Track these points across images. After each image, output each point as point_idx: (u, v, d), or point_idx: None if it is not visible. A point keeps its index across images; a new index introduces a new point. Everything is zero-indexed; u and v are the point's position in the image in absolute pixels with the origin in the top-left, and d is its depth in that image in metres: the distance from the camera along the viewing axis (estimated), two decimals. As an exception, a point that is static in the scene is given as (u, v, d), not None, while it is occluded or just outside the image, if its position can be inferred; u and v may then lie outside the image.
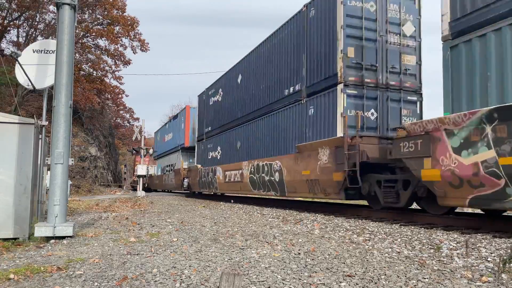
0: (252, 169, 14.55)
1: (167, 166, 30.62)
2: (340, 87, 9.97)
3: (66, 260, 4.84)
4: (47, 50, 8.55)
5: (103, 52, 32.53)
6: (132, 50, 32.41)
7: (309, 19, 11.64)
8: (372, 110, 10.21)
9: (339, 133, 9.78)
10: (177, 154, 26.79)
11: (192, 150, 24.58)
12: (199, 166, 21.33)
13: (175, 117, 29.31)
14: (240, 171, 15.69)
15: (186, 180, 23.52)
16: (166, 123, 33.39)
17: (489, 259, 4.64)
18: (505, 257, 4.33)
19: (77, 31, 26.71)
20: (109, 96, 37.61)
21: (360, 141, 9.13)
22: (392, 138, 8.79)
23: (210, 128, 20.47)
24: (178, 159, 26.35)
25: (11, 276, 4.06)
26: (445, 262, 4.64)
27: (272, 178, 12.88)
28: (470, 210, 11.71)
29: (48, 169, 7.31)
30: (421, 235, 6.42)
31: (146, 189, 40.09)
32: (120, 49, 32.50)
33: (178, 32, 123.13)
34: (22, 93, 24.79)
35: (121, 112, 58.72)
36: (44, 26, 29.78)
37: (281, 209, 12.50)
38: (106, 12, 30.05)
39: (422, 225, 7.56)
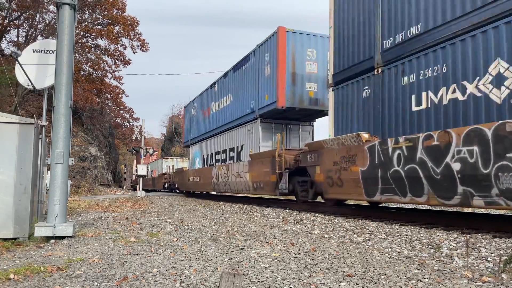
0: None
1: (218, 153, 19.27)
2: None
3: (66, 260, 4.84)
4: (47, 50, 8.55)
5: (103, 52, 32.55)
6: (132, 50, 32.46)
7: None
8: None
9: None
10: (250, 127, 15.62)
11: (284, 118, 14.87)
12: (375, 138, 8.77)
13: (240, 63, 17.04)
14: None
15: (286, 174, 12.08)
16: (213, 84, 20.65)
17: (489, 259, 4.64)
18: (505, 257, 4.33)
19: (77, 31, 26.70)
20: (109, 96, 37.62)
21: None
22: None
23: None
24: (252, 137, 15.37)
25: (11, 276, 4.06)
26: (445, 262, 4.64)
27: None
28: (470, 210, 11.71)
29: (48, 169, 7.31)
30: (421, 235, 6.42)
31: (172, 189, 29.84)
32: (120, 49, 32.57)
33: (178, 32, 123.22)
34: (22, 93, 24.79)
35: (121, 112, 58.70)
36: (44, 26, 29.79)
37: (281, 209, 12.49)
38: (106, 12, 30.07)
39: (422, 225, 7.56)
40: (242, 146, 16.36)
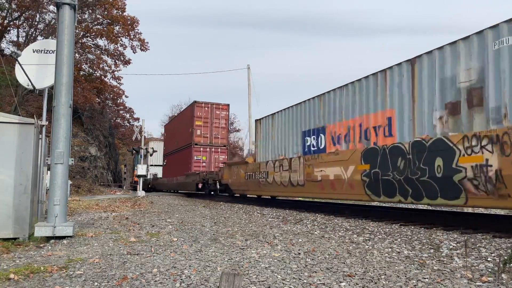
0: None
1: None
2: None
3: (66, 260, 4.84)
4: (47, 50, 8.55)
5: (103, 52, 32.53)
6: (132, 49, 32.40)
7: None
8: None
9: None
10: None
11: None
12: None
13: None
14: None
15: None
16: None
17: (489, 259, 4.64)
18: (505, 257, 4.33)
19: (77, 31, 26.68)
20: (109, 96, 37.57)
21: None
22: None
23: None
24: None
25: (11, 276, 4.06)
26: (445, 262, 4.64)
27: None
28: (470, 210, 11.71)
29: (48, 169, 7.31)
30: (421, 235, 6.42)
31: None
32: (120, 48, 32.49)
33: (178, 32, 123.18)
34: (22, 93, 24.77)
35: (121, 112, 58.67)
36: (44, 26, 29.77)
37: (281, 209, 12.49)
38: (106, 12, 30.05)
39: (422, 225, 7.56)
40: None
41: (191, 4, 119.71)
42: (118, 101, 43.87)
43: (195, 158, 22.71)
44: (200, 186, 20.20)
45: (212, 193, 19.89)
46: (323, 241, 6.14)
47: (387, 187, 8.37)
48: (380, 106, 8.98)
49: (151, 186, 35.04)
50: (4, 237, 6.50)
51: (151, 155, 30.50)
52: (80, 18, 28.99)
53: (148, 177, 38.11)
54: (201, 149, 22.89)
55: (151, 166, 37.15)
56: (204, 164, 22.77)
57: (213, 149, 23.20)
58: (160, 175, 33.70)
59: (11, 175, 6.73)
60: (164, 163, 29.92)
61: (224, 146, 23.29)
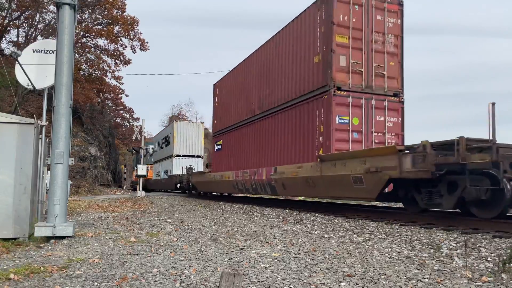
0: None
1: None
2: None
3: (66, 260, 4.84)
4: (47, 50, 8.56)
5: (103, 52, 32.54)
6: (131, 49, 32.40)
7: None
8: None
9: None
10: None
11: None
12: None
13: None
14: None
15: None
16: None
17: (489, 259, 4.64)
18: (505, 257, 4.33)
19: (77, 31, 26.69)
20: (108, 96, 37.56)
21: None
22: None
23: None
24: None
25: (11, 276, 4.06)
26: (445, 262, 4.64)
27: None
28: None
29: (48, 169, 7.31)
30: (421, 235, 6.42)
31: None
32: (120, 49, 32.50)
33: (179, 32, 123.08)
34: (22, 93, 24.77)
35: (121, 112, 58.72)
36: (44, 26, 29.79)
37: (281, 209, 12.50)
38: (106, 12, 30.07)
39: (422, 225, 7.56)
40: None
41: (191, 4, 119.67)
42: (118, 101, 43.84)
43: (337, 121, 10.45)
44: (389, 189, 9.17)
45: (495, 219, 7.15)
46: (323, 241, 6.14)
47: None
48: None
49: (187, 185, 23.17)
50: (4, 237, 6.50)
51: (151, 155, 30.45)
52: (80, 18, 29.01)
53: (175, 172, 27.60)
54: (350, 100, 10.53)
55: (178, 157, 29.40)
56: (355, 135, 10.67)
57: (373, 102, 10.82)
58: (199, 168, 25.32)
59: (11, 175, 6.74)
60: (219, 147, 17.83)
61: (395, 95, 11.17)
